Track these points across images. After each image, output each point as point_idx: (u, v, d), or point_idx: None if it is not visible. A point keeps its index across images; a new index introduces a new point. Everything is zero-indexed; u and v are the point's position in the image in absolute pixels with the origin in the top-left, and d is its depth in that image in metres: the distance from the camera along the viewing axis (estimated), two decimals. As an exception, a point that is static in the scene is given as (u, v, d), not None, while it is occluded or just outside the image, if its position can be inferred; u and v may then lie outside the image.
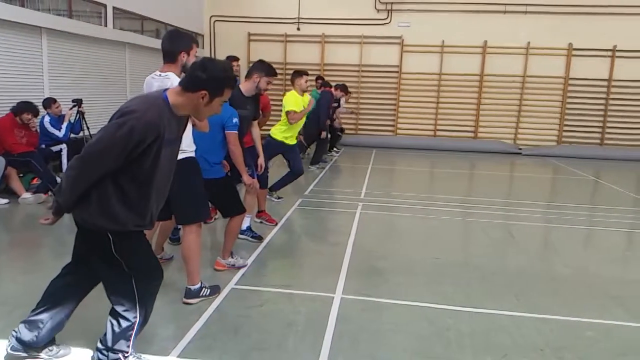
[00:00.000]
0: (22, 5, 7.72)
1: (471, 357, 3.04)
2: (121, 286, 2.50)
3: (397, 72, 14.42)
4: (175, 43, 3.52)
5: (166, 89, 2.53)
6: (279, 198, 6.89)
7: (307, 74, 6.83)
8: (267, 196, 6.39)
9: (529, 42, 13.75)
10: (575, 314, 3.68)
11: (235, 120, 4.08)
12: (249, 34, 14.70)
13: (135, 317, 2.52)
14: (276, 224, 5.76)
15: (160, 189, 2.55)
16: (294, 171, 6.74)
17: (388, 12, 14.21)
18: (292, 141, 6.53)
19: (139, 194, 2.44)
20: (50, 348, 2.76)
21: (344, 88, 11.29)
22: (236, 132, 4.13)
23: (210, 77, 2.43)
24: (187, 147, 3.54)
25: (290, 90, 6.64)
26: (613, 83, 13.76)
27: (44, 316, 2.66)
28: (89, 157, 2.30)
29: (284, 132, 6.44)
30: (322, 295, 3.83)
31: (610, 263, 5.11)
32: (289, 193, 7.19)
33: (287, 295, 3.85)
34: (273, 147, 6.43)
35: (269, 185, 6.21)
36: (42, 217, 2.49)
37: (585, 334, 3.39)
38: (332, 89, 10.62)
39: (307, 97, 6.72)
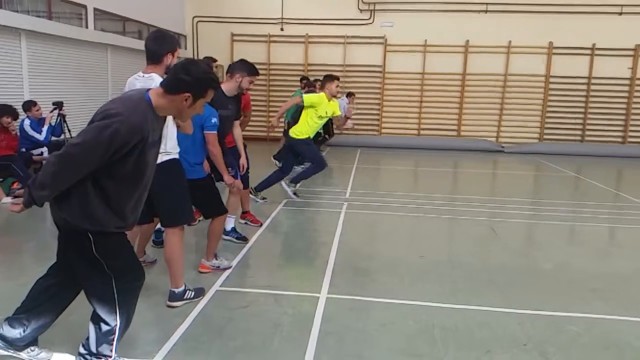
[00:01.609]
0: (0, 7, 7.59)
1: (455, 353, 3.06)
2: (102, 288, 2.47)
3: (380, 71, 14.48)
4: (161, 44, 3.48)
5: (148, 89, 2.51)
6: (263, 199, 6.87)
7: (339, 79, 6.82)
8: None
9: (510, 41, 13.90)
10: (557, 308, 3.73)
11: (214, 120, 4.05)
12: (232, 35, 14.65)
13: (116, 320, 2.50)
14: (261, 225, 5.75)
15: (142, 190, 2.53)
16: (283, 170, 6.82)
17: (371, 12, 14.26)
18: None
19: (120, 195, 2.42)
20: (32, 348, 2.73)
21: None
22: (215, 132, 4.09)
23: (193, 80, 2.43)
24: (172, 149, 3.51)
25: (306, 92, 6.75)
26: (593, 80, 13.97)
27: (28, 314, 2.63)
28: (70, 158, 2.25)
29: (304, 134, 6.60)
30: (307, 296, 3.83)
31: (592, 257, 5.18)
32: (274, 194, 7.17)
33: (272, 296, 3.84)
34: (305, 144, 6.63)
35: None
36: (13, 202, 2.40)
37: (568, 328, 3.44)
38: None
39: (335, 103, 6.76)
